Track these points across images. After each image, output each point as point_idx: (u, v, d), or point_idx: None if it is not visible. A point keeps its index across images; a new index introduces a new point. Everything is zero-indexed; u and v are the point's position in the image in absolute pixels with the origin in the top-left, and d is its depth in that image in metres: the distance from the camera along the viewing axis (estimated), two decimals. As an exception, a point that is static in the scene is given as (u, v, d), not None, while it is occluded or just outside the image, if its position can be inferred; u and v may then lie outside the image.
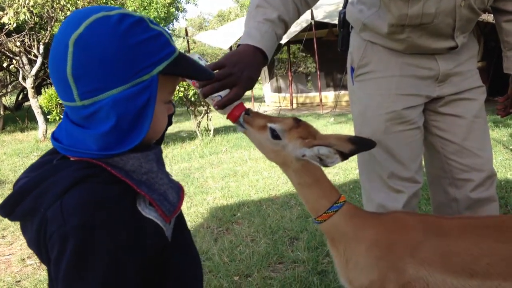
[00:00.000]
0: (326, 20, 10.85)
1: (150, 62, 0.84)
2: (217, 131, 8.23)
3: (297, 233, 3.11)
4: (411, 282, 1.20)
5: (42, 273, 2.84)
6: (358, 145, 1.24)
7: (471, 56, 1.67)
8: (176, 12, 19.08)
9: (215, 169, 5.44)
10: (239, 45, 1.38)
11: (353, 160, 1.65)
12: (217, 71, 1.28)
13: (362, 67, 1.66)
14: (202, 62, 1.24)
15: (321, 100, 11.97)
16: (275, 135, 1.25)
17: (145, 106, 0.85)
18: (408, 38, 1.53)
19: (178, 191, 0.95)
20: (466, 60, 1.64)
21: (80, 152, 0.85)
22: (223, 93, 1.27)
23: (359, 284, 1.25)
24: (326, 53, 11.67)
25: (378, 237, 1.28)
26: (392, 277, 1.21)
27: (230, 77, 1.27)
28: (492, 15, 1.68)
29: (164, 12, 16.14)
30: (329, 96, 13.15)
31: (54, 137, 0.90)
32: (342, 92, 12.19)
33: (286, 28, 1.47)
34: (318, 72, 11.79)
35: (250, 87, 1.34)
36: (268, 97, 15.03)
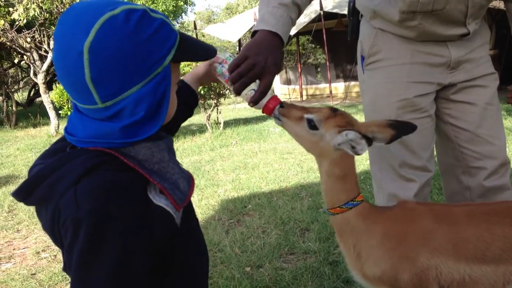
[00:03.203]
0: (335, 11, 10.76)
1: (160, 54, 0.86)
2: (227, 124, 8.24)
3: (308, 224, 3.11)
4: (423, 271, 1.19)
5: (57, 265, 2.88)
6: (399, 129, 1.24)
7: (483, 43, 1.64)
8: (185, 5, 19.04)
9: (225, 162, 5.46)
10: (254, 32, 1.37)
11: (363, 150, 1.65)
12: (242, 65, 1.26)
13: (373, 55, 1.64)
14: (232, 59, 1.27)
15: (331, 91, 11.91)
16: (312, 126, 1.25)
17: (163, 95, 0.88)
18: (419, 25, 1.51)
19: (189, 180, 0.96)
20: (478, 47, 1.61)
21: (96, 142, 0.86)
22: (254, 85, 1.27)
23: (372, 275, 1.25)
24: (336, 44, 11.60)
25: (389, 229, 1.27)
26: (405, 266, 1.20)
27: (254, 68, 1.25)
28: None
29: (173, 6, 16.14)
30: (339, 87, 13.08)
31: (68, 132, 0.91)
32: (352, 83, 12.10)
33: (300, 12, 1.46)
34: (327, 63, 11.72)
35: (278, 72, 1.33)
36: (277, 89, 15.00)
